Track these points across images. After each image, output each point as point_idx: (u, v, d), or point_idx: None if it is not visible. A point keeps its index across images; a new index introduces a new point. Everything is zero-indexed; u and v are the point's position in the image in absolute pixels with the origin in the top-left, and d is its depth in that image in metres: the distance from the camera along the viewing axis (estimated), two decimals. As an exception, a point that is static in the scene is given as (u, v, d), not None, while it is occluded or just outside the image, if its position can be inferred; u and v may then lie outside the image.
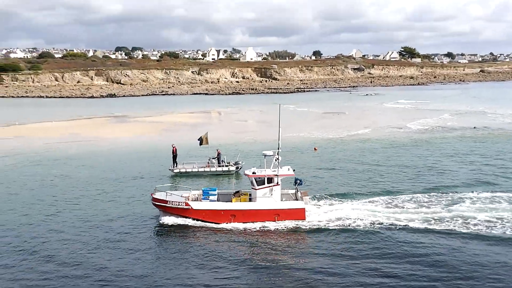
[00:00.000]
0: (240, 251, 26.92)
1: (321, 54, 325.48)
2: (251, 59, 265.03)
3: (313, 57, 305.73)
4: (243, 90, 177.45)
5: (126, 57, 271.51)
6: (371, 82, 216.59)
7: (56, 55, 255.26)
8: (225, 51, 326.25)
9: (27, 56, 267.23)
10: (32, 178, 44.35)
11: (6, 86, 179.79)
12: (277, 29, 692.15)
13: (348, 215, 31.71)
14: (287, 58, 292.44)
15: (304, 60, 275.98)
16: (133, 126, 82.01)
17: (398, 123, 79.25)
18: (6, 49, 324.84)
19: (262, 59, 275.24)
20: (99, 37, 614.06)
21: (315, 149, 56.89)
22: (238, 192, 32.90)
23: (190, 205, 30.96)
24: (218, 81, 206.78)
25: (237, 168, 45.58)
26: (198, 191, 33.14)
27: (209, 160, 46.03)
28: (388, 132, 70.60)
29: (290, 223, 30.51)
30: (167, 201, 31.43)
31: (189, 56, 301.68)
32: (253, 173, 31.52)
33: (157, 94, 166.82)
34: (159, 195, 32.04)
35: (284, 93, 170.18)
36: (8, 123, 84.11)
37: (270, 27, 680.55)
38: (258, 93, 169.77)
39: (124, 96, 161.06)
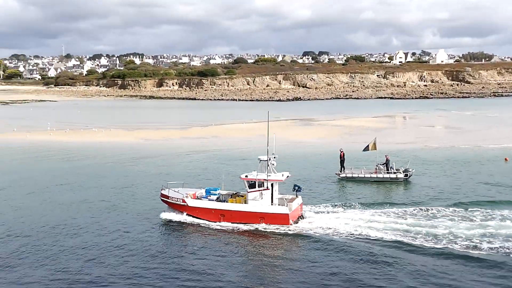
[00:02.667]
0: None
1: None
2: (442, 61, 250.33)
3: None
4: (431, 94, 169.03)
5: (312, 62, 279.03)
6: None
7: (249, 61, 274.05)
8: (413, 54, 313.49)
9: (223, 62, 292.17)
10: (209, 175, 46.41)
11: (206, 90, 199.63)
12: (472, 29, 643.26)
13: None
14: (483, 60, 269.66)
15: (504, 62, 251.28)
16: (317, 129, 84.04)
17: None
18: (206, 56, 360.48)
19: (454, 62, 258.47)
20: (288, 42, 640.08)
21: (505, 159, 52.17)
22: (236, 193, 34.48)
23: (186, 202, 33.54)
24: (405, 85, 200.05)
25: (406, 175, 43.38)
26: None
27: (377, 166, 44.67)
28: None
29: (273, 227, 31.18)
30: (169, 196, 34.29)
31: (375, 60, 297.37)
32: (246, 176, 33.00)
33: (341, 98, 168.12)
34: (165, 191, 34.86)
35: (478, 97, 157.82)
36: (206, 124, 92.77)
37: (465, 27, 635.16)
38: (448, 98, 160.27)
39: (309, 99, 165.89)
